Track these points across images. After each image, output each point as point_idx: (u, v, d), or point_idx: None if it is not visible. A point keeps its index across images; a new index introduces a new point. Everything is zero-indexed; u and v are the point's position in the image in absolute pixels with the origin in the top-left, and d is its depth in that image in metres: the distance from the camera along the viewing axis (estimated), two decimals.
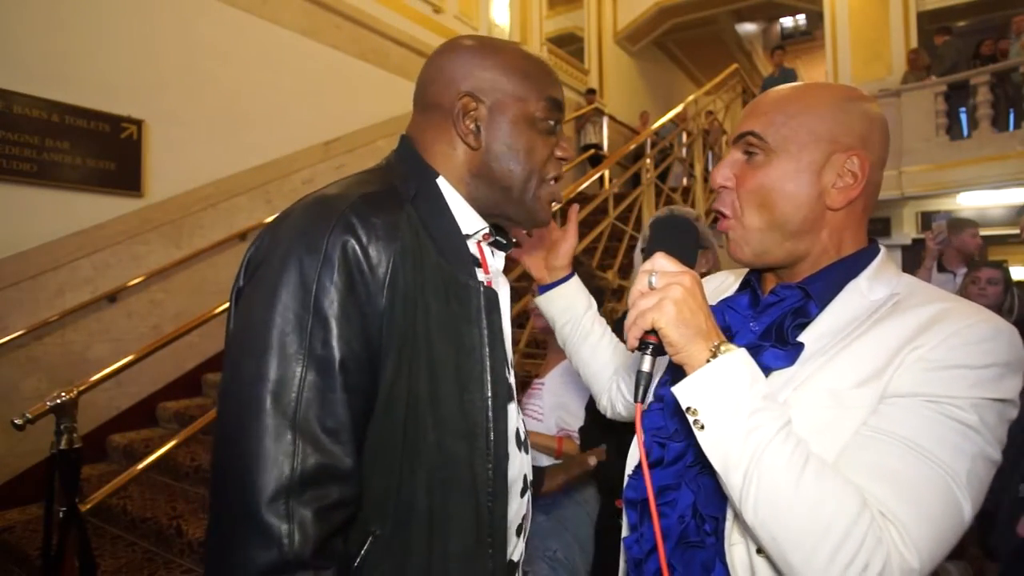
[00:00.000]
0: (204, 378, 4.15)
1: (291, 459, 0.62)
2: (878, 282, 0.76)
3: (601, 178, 5.80)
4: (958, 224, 3.77)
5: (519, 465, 0.85)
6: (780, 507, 0.61)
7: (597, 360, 1.15)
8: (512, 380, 0.87)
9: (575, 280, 1.17)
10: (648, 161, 5.48)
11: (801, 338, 0.75)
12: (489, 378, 0.76)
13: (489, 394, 0.76)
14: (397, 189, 0.77)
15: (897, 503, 0.61)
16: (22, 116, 3.37)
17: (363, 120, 5.33)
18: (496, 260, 0.90)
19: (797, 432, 0.65)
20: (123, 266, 3.81)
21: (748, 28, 12.03)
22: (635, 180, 5.97)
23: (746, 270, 0.94)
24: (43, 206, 3.46)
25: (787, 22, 12.71)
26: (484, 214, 0.84)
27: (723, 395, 0.65)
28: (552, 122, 0.83)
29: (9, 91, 3.32)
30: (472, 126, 0.80)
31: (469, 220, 0.82)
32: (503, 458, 0.77)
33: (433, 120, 0.82)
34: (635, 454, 0.89)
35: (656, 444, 0.84)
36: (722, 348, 0.67)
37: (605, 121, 8.23)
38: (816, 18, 10.01)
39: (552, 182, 0.85)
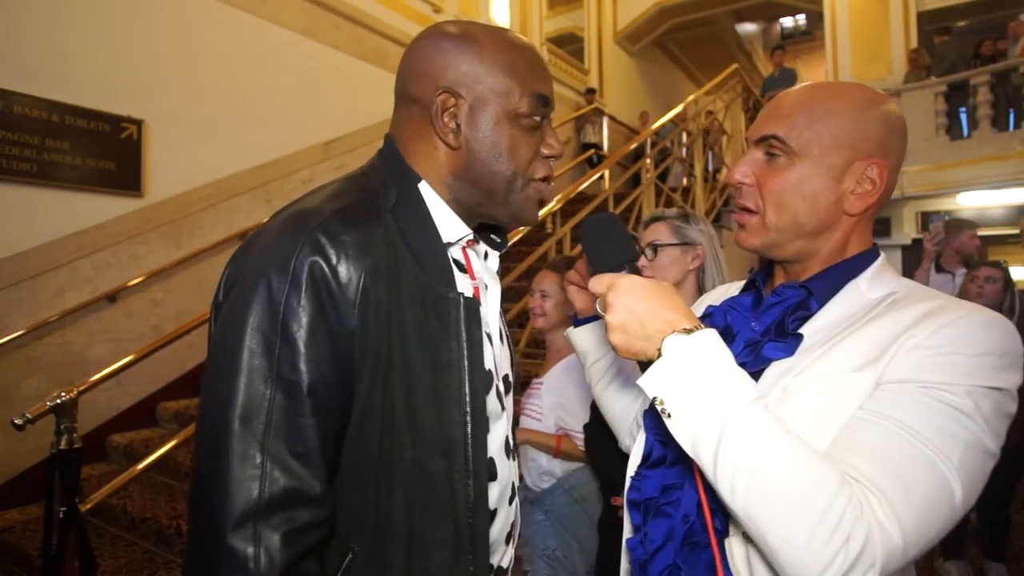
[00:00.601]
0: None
1: (259, 482, 0.62)
2: (877, 283, 0.78)
3: (601, 178, 5.79)
4: (956, 225, 3.77)
5: (508, 474, 0.84)
6: (754, 484, 0.61)
7: (623, 400, 1.11)
8: (502, 387, 0.85)
9: None
10: (648, 161, 5.48)
11: (800, 331, 0.76)
12: (468, 392, 0.73)
13: (468, 410, 0.73)
14: (376, 199, 0.74)
15: (882, 478, 0.61)
16: (22, 116, 3.37)
17: (363, 120, 5.33)
18: (489, 261, 0.88)
19: (772, 409, 0.65)
20: (123, 266, 3.81)
21: (748, 28, 12.03)
22: (635, 180, 5.97)
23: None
24: (43, 206, 3.46)
25: (787, 22, 12.71)
26: (469, 215, 0.81)
27: (684, 379, 0.66)
28: (537, 118, 0.78)
29: (9, 91, 3.32)
30: (452, 124, 0.76)
31: (451, 227, 0.79)
32: (483, 474, 0.74)
33: (412, 116, 0.79)
34: (637, 455, 0.89)
35: (658, 443, 0.84)
36: (680, 333, 0.68)
37: (605, 121, 8.23)
38: (816, 18, 10.01)
39: (541, 182, 0.82)
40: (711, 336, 0.68)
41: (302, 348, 0.64)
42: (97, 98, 3.69)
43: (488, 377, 0.78)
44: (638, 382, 0.70)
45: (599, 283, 0.76)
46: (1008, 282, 3.01)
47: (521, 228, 3.76)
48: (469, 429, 0.73)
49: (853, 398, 0.67)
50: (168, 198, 4.06)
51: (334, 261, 0.66)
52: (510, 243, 3.87)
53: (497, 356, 0.84)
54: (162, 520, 2.79)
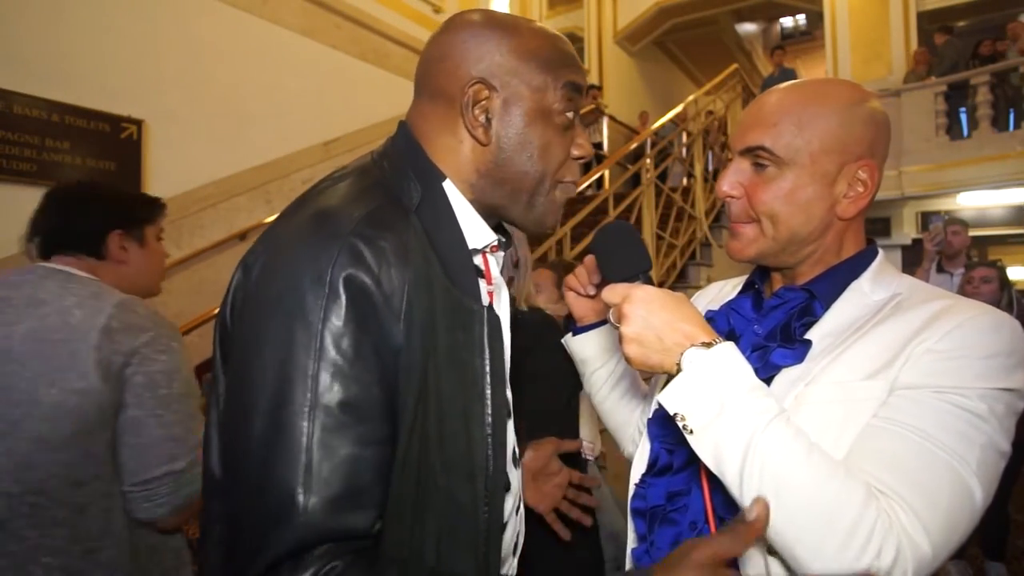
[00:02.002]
0: (204, 378, 4.15)
1: (298, 530, 0.55)
2: (879, 283, 0.77)
3: (601, 178, 5.80)
4: (949, 222, 3.80)
5: (517, 485, 0.82)
6: (782, 500, 0.60)
7: (625, 409, 1.09)
8: (510, 395, 0.80)
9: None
10: (648, 161, 5.48)
11: (807, 336, 0.75)
12: (490, 413, 0.68)
13: (489, 431, 0.68)
14: (399, 197, 0.68)
15: (906, 489, 0.60)
16: (22, 116, 3.37)
17: (363, 120, 5.32)
18: (499, 259, 0.83)
19: (795, 422, 0.64)
20: None
21: (748, 28, 12.03)
22: (635, 180, 5.97)
23: (743, 279, 0.95)
24: None
25: (787, 22, 12.71)
26: (488, 216, 0.76)
27: (707, 394, 0.64)
28: (571, 115, 0.74)
29: (9, 91, 3.32)
30: (482, 118, 0.70)
31: (477, 232, 0.74)
32: (499, 500, 0.69)
33: (437, 107, 0.73)
34: (641, 463, 0.88)
35: (664, 450, 0.83)
36: (700, 347, 0.66)
37: (605, 121, 8.23)
38: (816, 18, 10.01)
39: (570, 184, 0.77)
40: (731, 349, 0.66)
41: (348, 369, 0.57)
42: (97, 98, 3.68)
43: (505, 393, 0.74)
44: (657, 397, 0.68)
45: (613, 293, 0.73)
46: (1004, 282, 3.02)
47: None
48: (490, 451, 0.68)
49: (867, 405, 0.67)
50: (168, 198, 4.02)
51: (376, 271, 0.59)
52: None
53: (507, 360, 0.81)
54: None
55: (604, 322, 1.07)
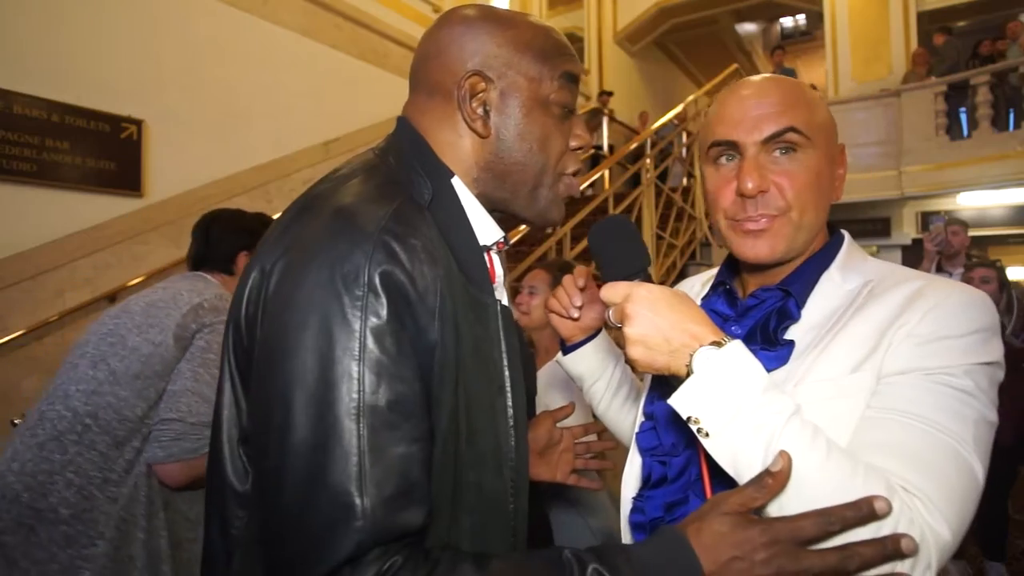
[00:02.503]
0: None
1: (358, 535, 0.54)
2: (849, 270, 0.78)
3: (601, 178, 5.80)
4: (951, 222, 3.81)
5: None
6: (806, 502, 0.59)
7: (629, 415, 1.07)
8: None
9: (603, 334, 1.08)
10: (648, 161, 5.48)
11: (788, 336, 0.75)
12: (511, 405, 0.69)
13: (512, 423, 0.68)
14: (412, 194, 0.67)
15: (917, 476, 0.61)
16: (22, 116, 3.36)
17: (363, 120, 5.32)
18: (501, 258, 0.82)
19: (810, 420, 0.64)
20: (123, 266, 3.80)
21: (748, 28, 12.03)
22: (635, 180, 5.98)
23: (711, 275, 0.93)
24: (43, 206, 3.45)
25: (787, 22, 12.70)
26: (490, 208, 0.75)
27: (722, 396, 0.63)
28: (567, 106, 0.74)
29: (9, 91, 3.32)
30: (480, 110, 0.70)
31: (487, 229, 0.74)
32: (524, 492, 0.69)
33: (435, 103, 0.72)
34: (633, 478, 0.87)
35: (657, 463, 0.82)
36: (710, 347, 0.64)
37: (605, 121, 8.22)
38: (816, 18, 10.01)
39: (571, 176, 0.77)
40: (740, 348, 0.64)
41: (392, 367, 0.56)
42: (97, 98, 3.68)
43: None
44: (669, 401, 0.66)
45: (614, 292, 0.71)
46: (1003, 282, 3.02)
47: (520, 228, 3.75)
48: (514, 443, 0.68)
49: (858, 398, 0.67)
50: (168, 198, 4.06)
51: (410, 268, 0.59)
52: (510, 243, 3.89)
53: (519, 354, 0.82)
54: None
55: (592, 337, 1.06)
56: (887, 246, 8.17)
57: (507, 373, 0.69)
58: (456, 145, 0.72)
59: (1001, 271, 3.10)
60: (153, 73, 3.96)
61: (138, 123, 3.86)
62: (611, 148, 8.11)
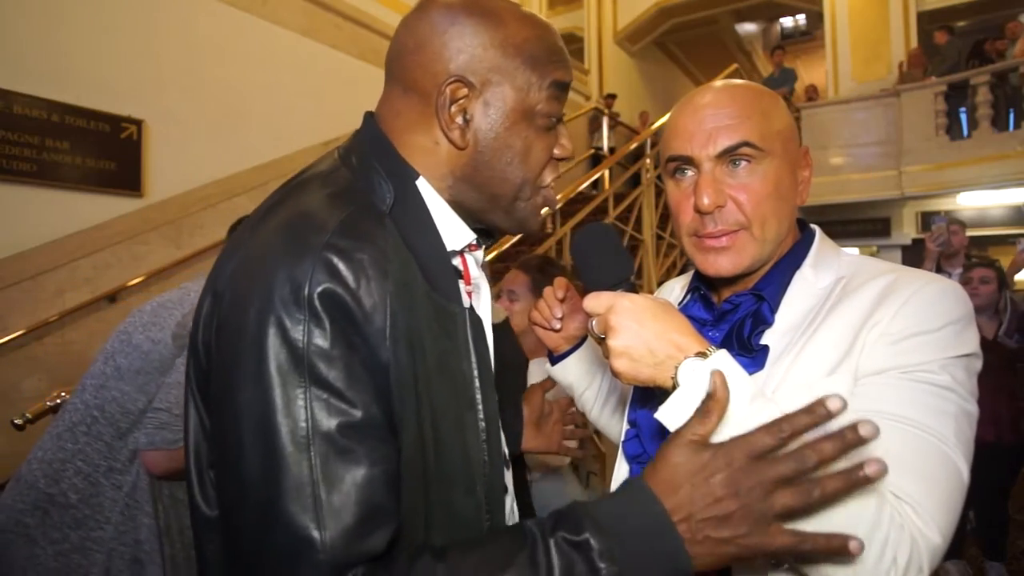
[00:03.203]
0: None
1: (319, 568, 0.51)
2: (822, 268, 0.77)
3: (601, 178, 5.80)
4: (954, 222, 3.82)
5: (510, 484, 0.79)
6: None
7: (620, 421, 1.03)
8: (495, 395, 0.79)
9: (590, 342, 1.08)
10: (648, 161, 5.48)
11: (764, 341, 0.75)
12: (483, 418, 0.64)
13: (483, 437, 0.64)
14: (371, 199, 0.63)
15: (905, 481, 0.61)
16: (22, 116, 3.36)
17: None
18: (477, 259, 0.78)
19: None
20: (123, 266, 3.80)
21: (748, 28, 12.03)
22: (635, 180, 5.97)
23: (689, 278, 0.92)
24: (43, 206, 3.45)
25: (787, 22, 12.70)
26: (465, 216, 0.71)
27: None
28: (554, 118, 0.69)
29: (9, 91, 3.32)
30: (459, 119, 0.65)
31: (455, 231, 0.69)
32: (499, 502, 0.66)
33: (410, 102, 0.66)
34: (619, 479, 0.87)
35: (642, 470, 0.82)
36: (695, 358, 0.63)
37: (605, 121, 8.22)
38: (816, 18, 10.01)
39: (548, 188, 0.73)
40: (726, 358, 0.63)
41: (341, 391, 0.54)
42: (97, 98, 3.68)
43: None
44: (656, 416, 0.65)
45: (597, 302, 0.68)
46: (1002, 282, 3.02)
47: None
48: (487, 459, 0.64)
49: None
50: (168, 198, 4.06)
51: (353, 285, 0.55)
52: (510, 243, 3.88)
53: (492, 362, 0.78)
54: None
55: (579, 346, 1.06)
56: (887, 246, 8.17)
57: (477, 385, 0.65)
58: (429, 151, 0.67)
59: (1000, 271, 3.10)
60: (153, 73, 3.96)
61: (138, 123, 3.86)
62: (611, 149, 8.11)
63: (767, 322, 0.75)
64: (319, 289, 0.54)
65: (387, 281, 0.57)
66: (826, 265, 0.77)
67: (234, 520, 0.55)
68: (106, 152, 3.71)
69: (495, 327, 1.53)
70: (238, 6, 4.48)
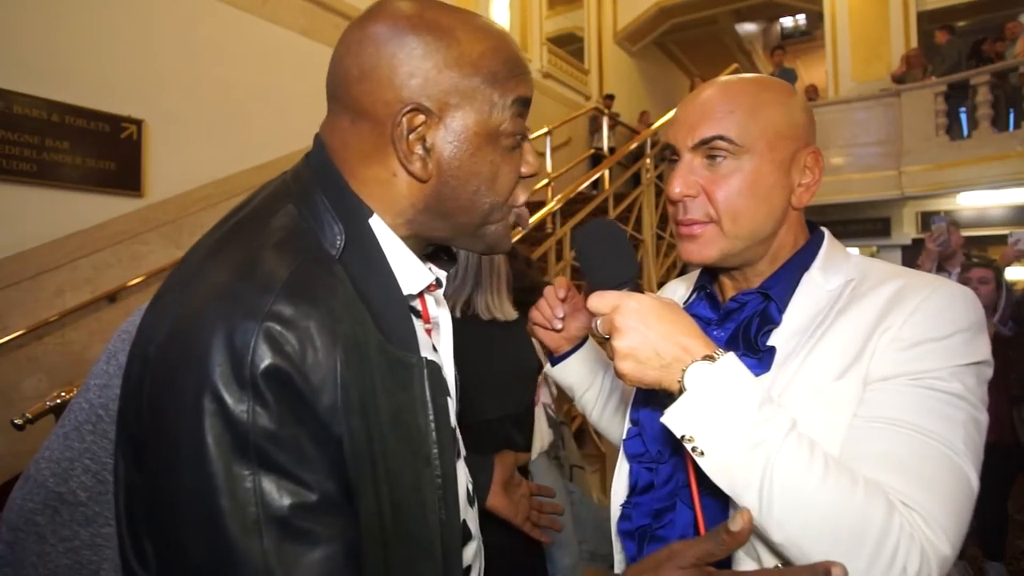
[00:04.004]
0: None
1: None
2: (831, 270, 0.76)
3: (601, 178, 5.80)
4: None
5: (475, 527, 0.75)
6: (807, 520, 0.59)
7: (621, 422, 1.04)
8: (457, 430, 0.73)
9: (591, 343, 1.07)
10: (648, 161, 5.48)
11: (771, 342, 0.74)
12: (439, 474, 0.60)
13: (441, 494, 0.60)
14: (320, 243, 0.58)
15: (916, 491, 0.60)
16: (22, 116, 3.36)
17: None
18: (437, 298, 0.73)
19: (806, 434, 0.62)
20: (123, 266, 3.80)
21: (748, 28, 12.03)
22: (635, 180, 5.97)
23: (694, 277, 0.92)
24: (43, 206, 3.45)
25: (787, 22, 12.71)
26: (426, 244, 0.67)
27: (717, 414, 0.61)
28: (519, 137, 0.64)
29: (9, 91, 3.32)
30: (419, 149, 0.59)
31: (411, 275, 0.63)
32: (455, 559, 0.62)
33: (361, 132, 0.61)
34: (621, 485, 0.87)
35: (643, 470, 0.82)
36: (703, 361, 0.62)
37: (605, 122, 8.22)
38: (816, 18, 10.01)
39: (520, 208, 0.68)
40: (734, 362, 0.62)
41: (291, 471, 0.49)
42: (97, 98, 3.68)
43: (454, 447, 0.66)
44: (662, 420, 0.64)
45: (602, 302, 0.67)
46: (1000, 281, 3.02)
47: (517, 229, 3.75)
48: (443, 516, 0.60)
49: (845, 407, 0.66)
50: (168, 198, 4.06)
51: (299, 360, 0.50)
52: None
53: (454, 400, 0.72)
54: None
55: (579, 346, 1.05)
56: (887, 246, 8.18)
57: (434, 439, 0.60)
58: (387, 183, 0.61)
59: (999, 271, 3.10)
60: (153, 73, 3.96)
61: (138, 123, 3.86)
62: (611, 149, 8.11)
63: (774, 322, 0.75)
64: (263, 366, 0.49)
65: (336, 348, 0.52)
66: (835, 268, 0.76)
67: None
68: (106, 152, 3.71)
69: (506, 326, 1.51)
70: (238, 6, 4.48)
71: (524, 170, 0.66)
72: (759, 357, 0.73)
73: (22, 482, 1.39)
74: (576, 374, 1.06)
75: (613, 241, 0.76)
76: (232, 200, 4.40)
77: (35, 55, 3.44)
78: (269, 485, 0.49)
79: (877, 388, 0.66)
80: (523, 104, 0.63)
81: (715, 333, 0.80)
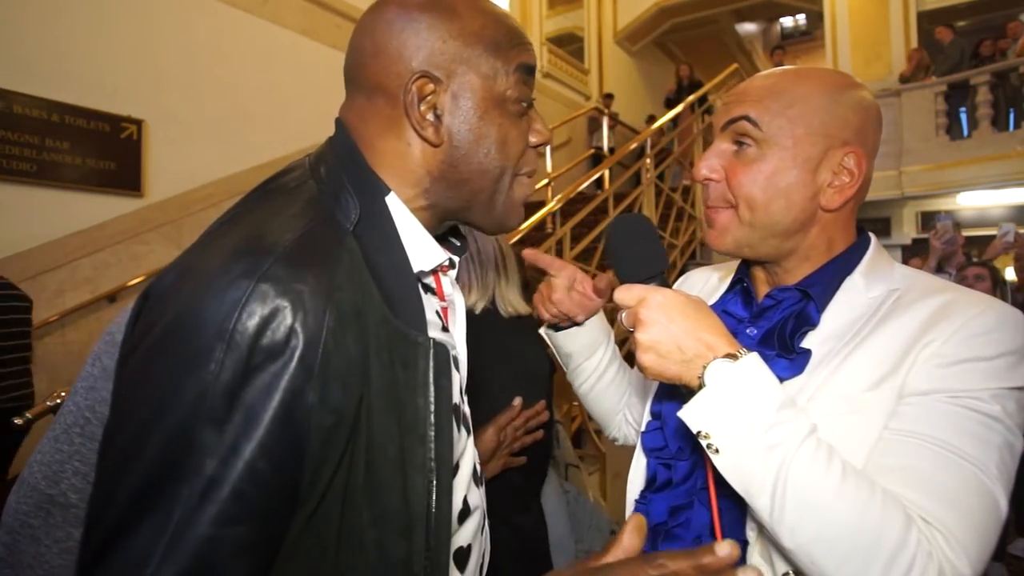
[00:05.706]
0: None
1: None
2: (874, 278, 0.74)
3: (601, 178, 5.80)
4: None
5: (479, 503, 0.75)
6: (819, 527, 0.57)
7: (611, 398, 1.05)
8: (466, 408, 0.74)
9: (600, 314, 1.05)
10: (648, 161, 5.48)
11: (806, 344, 0.72)
12: (432, 457, 0.60)
13: (431, 479, 0.59)
14: (334, 215, 0.61)
15: (938, 508, 0.59)
16: (22, 116, 3.37)
17: None
18: (451, 278, 0.74)
19: (826, 441, 0.61)
20: (123, 266, 3.80)
21: (748, 28, 12.03)
22: (635, 180, 5.98)
23: (733, 266, 0.90)
24: (43, 206, 3.46)
25: (787, 22, 12.71)
26: (441, 221, 0.69)
27: (734, 413, 0.60)
28: (525, 103, 0.67)
29: (9, 91, 3.32)
30: (431, 115, 0.63)
31: (424, 253, 0.65)
32: (445, 558, 0.62)
33: (376, 106, 0.65)
34: (638, 479, 0.86)
35: (661, 466, 0.81)
36: (724, 359, 0.62)
37: (605, 121, 8.22)
38: (816, 18, 10.01)
39: (527, 177, 0.70)
40: (756, 362, 0.62)
41: (251, 433, 0.50)
42: (97, 98, 3.69)
43: (450, 434, 0.65)
44: (679, 414, 0.63)
45: (628, 295, 0.68)
46: (996, 280, 3.03)
47: (520, 228, 3.75)
48: (433, 500, 0.59)
49: (877, 418, 0.65)
50: (168, 198, 4.06)
51: (287, 320, 0.51)
52: (511, 242, 3.86)
53: (462, 378, 0.73)
54: None
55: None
56: (887, 246, 8.05)
57: (432, 421, 0.60)
58: (404, 154, 0.65)
59: (995, 269, 3.10)
60: (153, 73, 3.96)
61: (138, 123, 3.86)
62: (611, 149, 8.11)
63: (812, 323, 0.73)
64: (248, 323, 0.50)
65: (326, 314, 0.53)
66: (879, 276, 0.74)
67: (88, 528, 0.51)
68: (106, 152, 3.71)
69: (518, 321, 1.51)
70: (238, 6, 4.48)
71: (533, 139, 0.69)
72: (792, 358, 0.72)
73: (17, 486, 1.40)
74: (578, 344, 1.03)
75: (642, 235, 0.76)
76: (232, 200, 4.38)
77: (35, 55, 3.44)
78: (210, 437, 0.49)
79: (913, 402, 0.64)
80: (526, 71, 0.67)
81: (747, 330, 0.79)
